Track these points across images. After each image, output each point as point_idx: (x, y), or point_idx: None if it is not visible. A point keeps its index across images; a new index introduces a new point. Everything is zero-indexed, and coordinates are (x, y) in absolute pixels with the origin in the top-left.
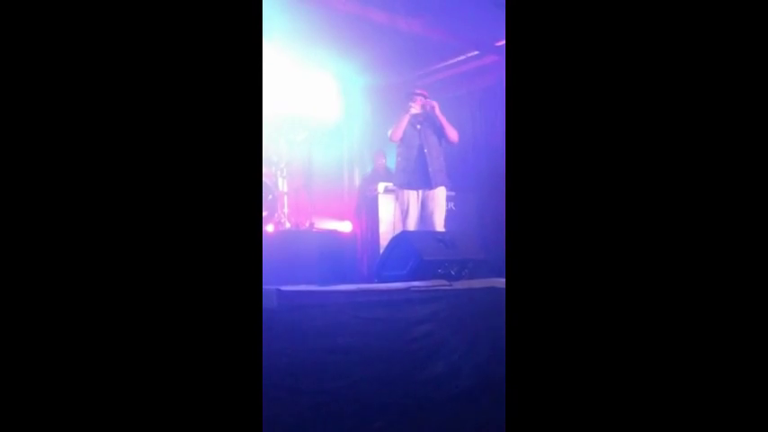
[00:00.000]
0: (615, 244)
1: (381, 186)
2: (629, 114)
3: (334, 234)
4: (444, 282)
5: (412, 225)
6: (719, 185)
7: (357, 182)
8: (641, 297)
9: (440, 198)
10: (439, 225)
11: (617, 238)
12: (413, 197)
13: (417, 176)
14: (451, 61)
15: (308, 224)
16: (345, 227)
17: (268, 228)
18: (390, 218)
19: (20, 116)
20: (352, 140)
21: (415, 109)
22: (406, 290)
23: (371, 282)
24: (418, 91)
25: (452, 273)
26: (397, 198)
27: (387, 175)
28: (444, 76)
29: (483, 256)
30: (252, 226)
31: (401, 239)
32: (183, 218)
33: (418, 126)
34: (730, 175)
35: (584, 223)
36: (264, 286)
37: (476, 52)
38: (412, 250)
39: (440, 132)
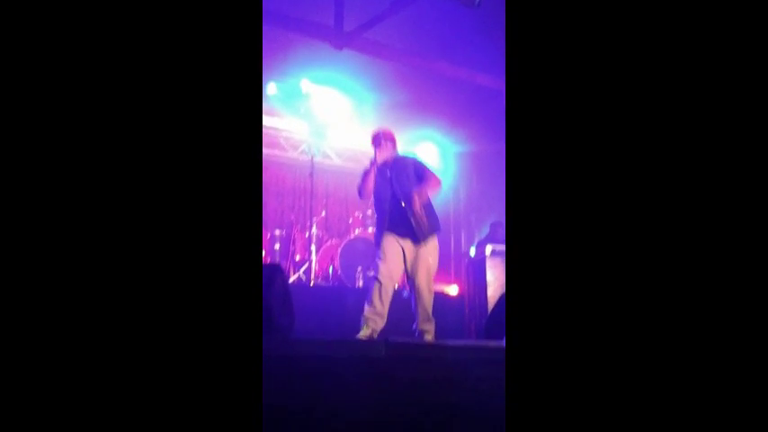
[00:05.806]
0: (620, 252)
1: (488, 249)
2: (631, 119)
3: (442, 296)
4: None
5: (395, 282)
6: (717, 185)
7: (463, 246)
8: (643, 322)
9: (429, 251)
10: (424, 282)
11: (622, 246)
12: (393, 254)
13: (398, 230)
14: None
15: None
16: (452, 290)
17: None
18: (497, 280)
19: (19, 116)
20: (459, 205)
21: (380, 157)
22: None
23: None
24: (381, 132)
25: None
26: (378, 257)
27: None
28: None
29: None
30: (251, 226)
31: None
32: (181, 216)
33: (388, 173)
34: (727, 175)
35: (584, 227)
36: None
37: None
38: None
39: (417, 178)
